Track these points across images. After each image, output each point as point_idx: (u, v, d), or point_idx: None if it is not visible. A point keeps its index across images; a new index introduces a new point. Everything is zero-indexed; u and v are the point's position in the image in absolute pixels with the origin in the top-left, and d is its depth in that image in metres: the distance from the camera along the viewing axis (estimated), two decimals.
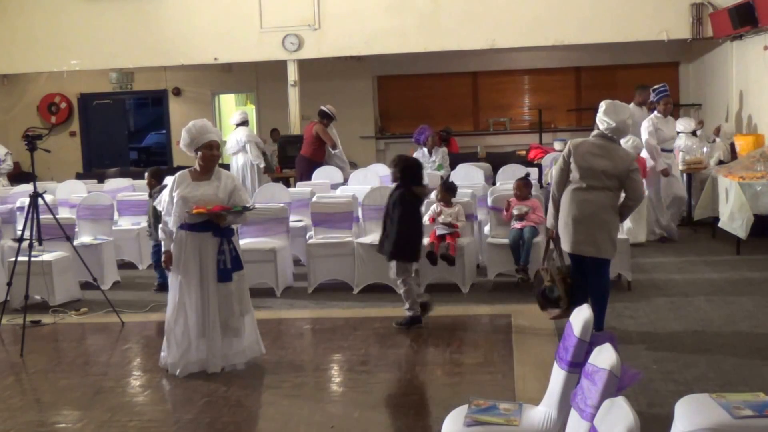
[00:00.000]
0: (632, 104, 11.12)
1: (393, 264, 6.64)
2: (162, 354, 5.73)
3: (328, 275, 8.06)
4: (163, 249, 5.73)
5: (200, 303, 5.58)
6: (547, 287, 5.99)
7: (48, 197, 7.68)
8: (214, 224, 5.53)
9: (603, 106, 5.92)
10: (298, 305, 7.60)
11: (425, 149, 11.44)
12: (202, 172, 5.63)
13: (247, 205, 5.64)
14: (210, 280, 5.57)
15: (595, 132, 5.99)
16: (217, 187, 5.59)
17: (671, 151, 10.04)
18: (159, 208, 5.82)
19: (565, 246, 5.94)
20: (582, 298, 5.58)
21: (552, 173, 10.21)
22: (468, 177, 10.22)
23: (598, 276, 5.94)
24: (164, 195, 5.72)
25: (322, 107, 11.55)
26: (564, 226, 5.92)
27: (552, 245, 6.07)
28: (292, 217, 8.78)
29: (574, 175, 5.87)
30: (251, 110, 16.27)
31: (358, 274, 7.89)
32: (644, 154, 9.72)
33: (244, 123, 12.28)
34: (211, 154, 5.58)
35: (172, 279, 5.67)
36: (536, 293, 6.13)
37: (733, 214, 8.75)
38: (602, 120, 5.87)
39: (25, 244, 6.89)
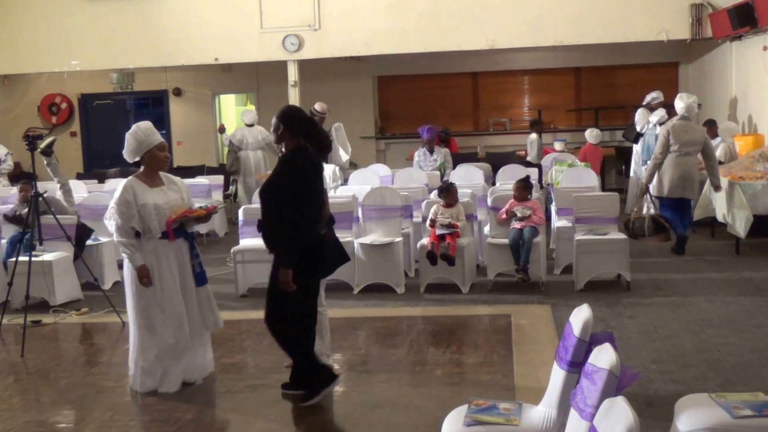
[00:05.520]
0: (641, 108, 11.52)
1: None
2: (131, 374, 5.35)
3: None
4: (136, 264, 5.08)
5: (184, 312, 5.25)
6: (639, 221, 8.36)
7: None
8: (183, 229, 5.26)
9: (678, 96, 9.09)
10: None
11: (425, 149, 11.43)
12: (155, 177, 5.27)
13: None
14: (187, 287, 5.28)
15: (678, 117, 8.96)
16: (180, 191, 5.34)
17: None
18: (108, 223, 5.19)
19: (665, 192, 8.83)
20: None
21: (552, 174, 10.30)
22: (468, 177, 10.21)
23: (689, 209, 9.17)
24: (117, 206, 5.10)
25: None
26: (668, 180, 8.80)
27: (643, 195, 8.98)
28: None
29: (673, 147, 8.76)
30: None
31: (358, 274, 7.89)
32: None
33: (255, 123, 12.59)
34: (165, 156, 5.26)
35: (144, 295, 5.15)
36: (640, 229, 8.27)
37: (732, 214, 8.75)
38: (680, 106, 8.89)
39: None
